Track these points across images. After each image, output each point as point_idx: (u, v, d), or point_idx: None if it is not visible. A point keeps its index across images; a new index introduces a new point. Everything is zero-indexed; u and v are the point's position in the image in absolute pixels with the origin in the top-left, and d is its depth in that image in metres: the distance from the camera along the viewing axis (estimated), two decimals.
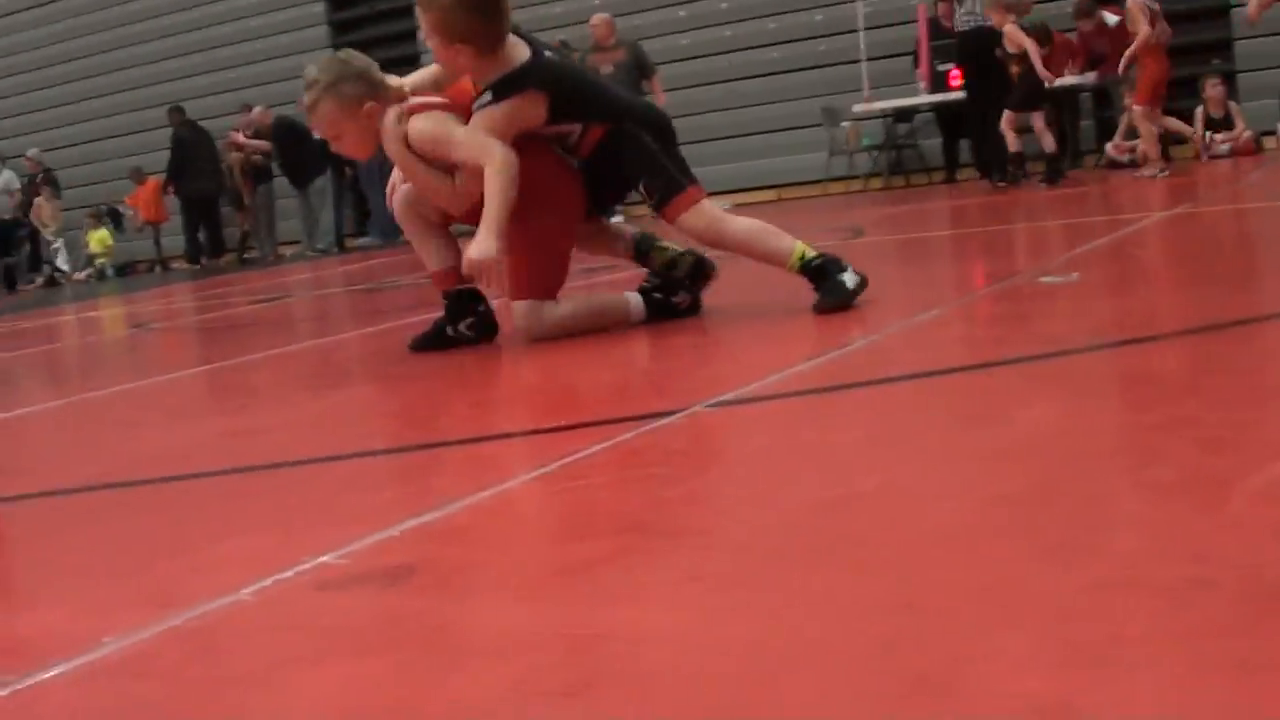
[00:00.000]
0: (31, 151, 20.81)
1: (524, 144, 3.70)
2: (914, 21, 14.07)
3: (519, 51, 3.72)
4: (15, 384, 5.49)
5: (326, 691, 1.30)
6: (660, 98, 13.72)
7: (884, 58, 14.62)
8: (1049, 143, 11.12)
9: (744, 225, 3.81)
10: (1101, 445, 1.96)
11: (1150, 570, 1.34)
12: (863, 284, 3.65)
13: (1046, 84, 11.11)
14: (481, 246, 3.61)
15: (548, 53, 3.82)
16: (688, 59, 15.91)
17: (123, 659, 1.47)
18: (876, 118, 14.89)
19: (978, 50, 11.33)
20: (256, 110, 17.66)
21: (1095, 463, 1.84)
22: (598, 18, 13.87)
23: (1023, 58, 11.01)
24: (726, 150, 15.90)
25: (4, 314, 12.37)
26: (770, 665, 1.21)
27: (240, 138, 18.05)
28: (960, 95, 12.35)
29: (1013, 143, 11.13)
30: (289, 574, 1.69)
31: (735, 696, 1.15)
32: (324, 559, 1.74)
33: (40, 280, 20.55)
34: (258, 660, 1.42)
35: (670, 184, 3.77)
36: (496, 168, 3.60)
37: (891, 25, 14.26)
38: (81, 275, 20.31)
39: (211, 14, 20.30)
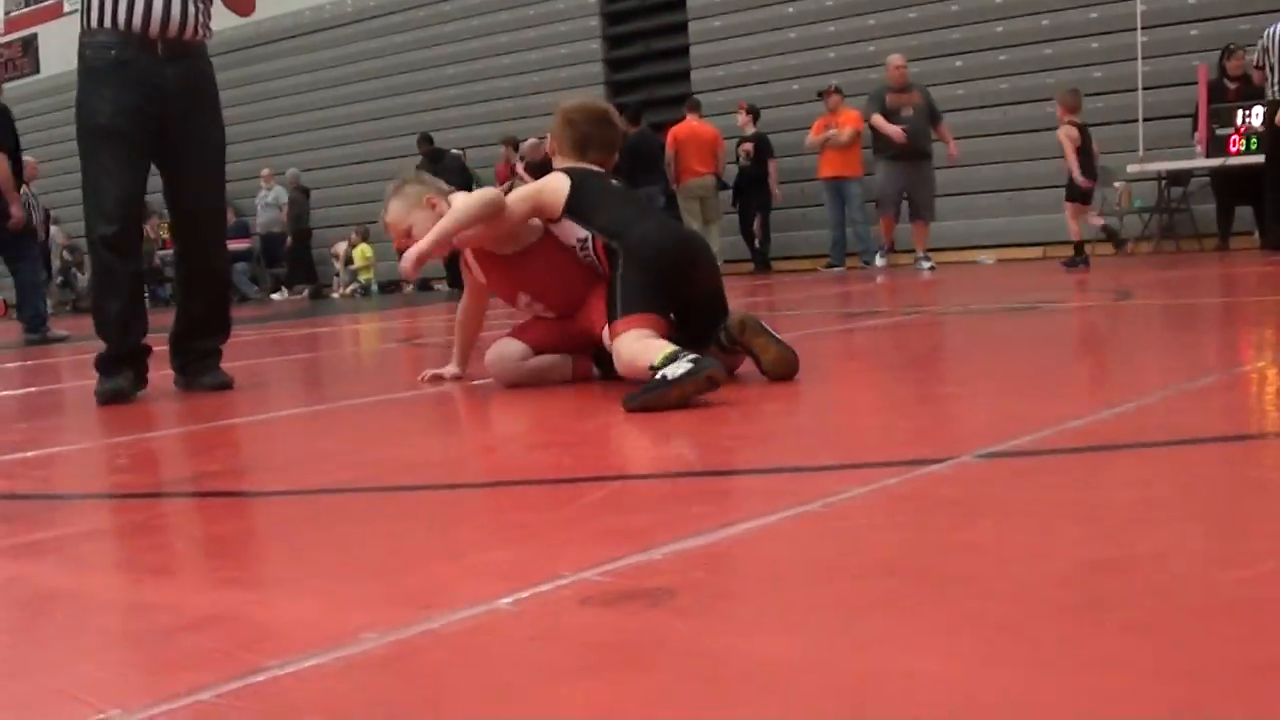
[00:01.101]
0: (291, 171, 21.62)
1: (548, 245, 4.38)
2: (1194, 83, 13.63)
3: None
4: (278, 387, 5.66)
5: (590, 707, 1.28)
6: (951, 145, 13.60)
7: (1161, 119, 14.22)
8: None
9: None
10: None
11: None
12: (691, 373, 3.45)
13: None
14: (421, 243, 4.25)
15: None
16: (962, 109, 15.67)
17: (382, 656, 1.48)
18: (1150, 179, 14.49)
19: None
20: (529, 143, 17.84)
21: None
22: (897, 59, 13.80)
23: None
24: (996, 204, 15.64)
25: (271, 321, 12.82)
26: (1052, 717, 1.16)
27: (521, 168, 18.36)
28: (1240, 160, 11.97)
29: (1074, 232, 11.31)
30: (547, 587, 1.69)
31: None
32: (585, 575, 1.74)
33: (306, 291, 21.29)
34: (517, 669, 1.41)
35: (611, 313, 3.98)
36: (480, 196, 4.32)
37: (1170, 86, 13.84)
38: (346, 290, 20.94)
39: (465, 51, 20.73)
